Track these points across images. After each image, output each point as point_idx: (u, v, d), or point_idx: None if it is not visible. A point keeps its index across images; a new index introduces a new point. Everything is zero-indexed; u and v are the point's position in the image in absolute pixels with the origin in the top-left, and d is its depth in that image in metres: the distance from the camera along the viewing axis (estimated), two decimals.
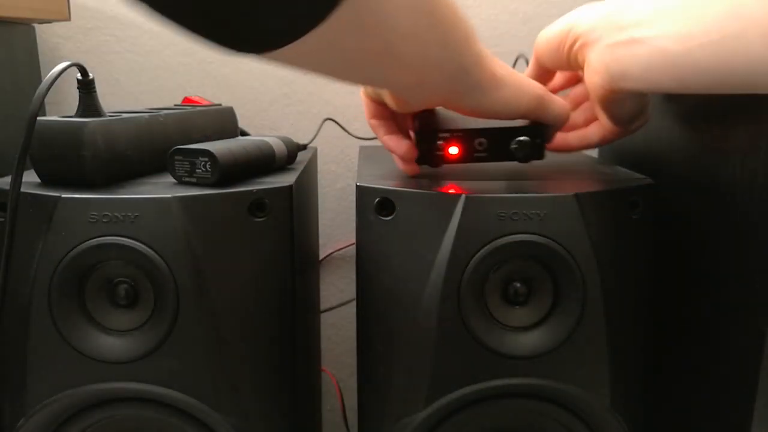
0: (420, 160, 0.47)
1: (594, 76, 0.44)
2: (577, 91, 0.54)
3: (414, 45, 0.35)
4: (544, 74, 0.52)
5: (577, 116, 0.53)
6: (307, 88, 0.83)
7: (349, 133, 0.78)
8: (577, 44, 0.45)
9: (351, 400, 0.87)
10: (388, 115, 0.48)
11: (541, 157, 0.47)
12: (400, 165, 0.49)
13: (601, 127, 0.50)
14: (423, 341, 0.43)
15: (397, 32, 0.33)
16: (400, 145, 0.47)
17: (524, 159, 0.46)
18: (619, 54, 0.41)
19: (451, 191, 0.43)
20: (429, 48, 0.37)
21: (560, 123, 0.48)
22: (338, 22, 0.28)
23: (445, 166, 0.48)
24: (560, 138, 0.52)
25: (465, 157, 0.47)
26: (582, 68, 0.46)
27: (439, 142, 0.46)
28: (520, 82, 0.44)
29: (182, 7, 0.25)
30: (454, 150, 0.47)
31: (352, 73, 0.37)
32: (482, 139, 0.46)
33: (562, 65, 0.48)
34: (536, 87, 0.46)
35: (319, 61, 0.33)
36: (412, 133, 0.49)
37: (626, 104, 0.46)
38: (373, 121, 0.48)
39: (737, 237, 0.42)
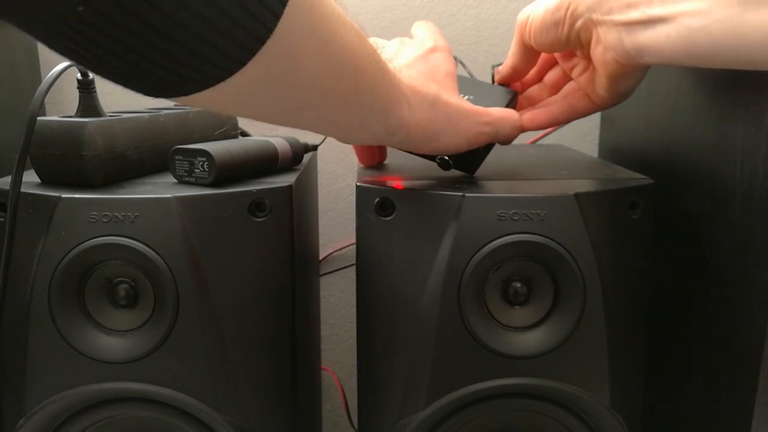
0: None
1: (607, 52, 0.42)
2: (552, 76, 0.52)
3: (335, 106, 0.35)
4: (529, 57, 0.50)
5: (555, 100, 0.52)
6: None
7: None
8: (581, 21, 0.43)
9: (352, 400, 0.87)
10: None
11: (470, 171, 0.48)
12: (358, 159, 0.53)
13: (569, 105, 0.49)
14: (423, 341, 0.43)
15: (315, 92, 0.33)
16: (362, 154, 0.53)
17: (448, 169, 0.48)
18: (634, 32, 0.40)
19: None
20: (352, 110, 0.36)
21: (510, 141, 0.48)
22: (247, 77, 0.28)
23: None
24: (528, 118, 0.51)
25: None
26: (584, 46, 0.45)
27: None
28: (458, 128, 0.43)
29: (92, 55, 0.25)
30: None
31: (272, 120, 0.36)
32: None
33: (559, 44, 0.46)
34: (480, 125, 0.44)
35: (231, 108, 0.33)
36: None
37: (636, 77, 0.45)
38: None
39: (737, 237, 0.42)
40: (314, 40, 0.30)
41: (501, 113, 0.46)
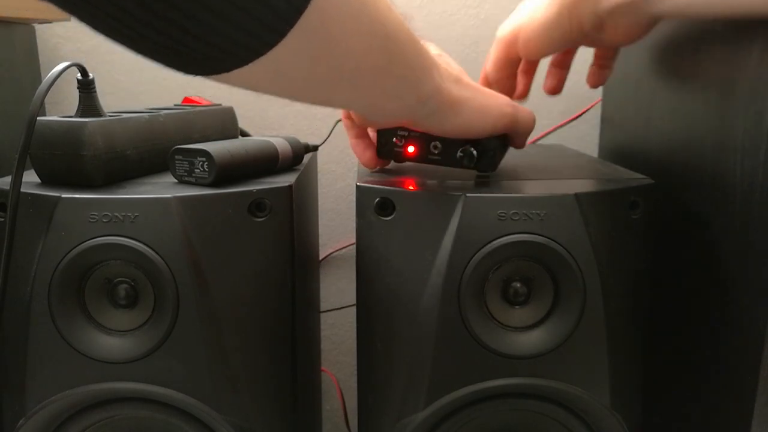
0: (381, 154, 0.50)
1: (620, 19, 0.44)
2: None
3: (369, 76, 0.35)
4: (512, 71, 0.52)
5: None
6: None
7: None
8: (585, 5, 0.45)
9: (351, 401, 0.87)
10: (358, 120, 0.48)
11: (491, 168, 0.48)
12: (361, 162, 0.52)
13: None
14: (423, 341, 0.43)
15: (350, 63, 0.33)
16: (363, 152, 0.50)
17: (471, 168, 0.47)
18: None
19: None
20: (385, 80, 0.37)
21: (527, 133, 0.48)
22: (286, 50, 0.28)
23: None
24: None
25: (421, 158, 0.48)
26: (599, 23, 0.46)
27: (395, 140, 0.48)
28: (483, 105, 0.44)
29: (132, 31, 0.25)
30: (411, 149, 0.48)
31: (306, 97, 0.37)
32: (437, 143, 0.48)
33: (562, 43, 0.48)
34: (503, 105, 0.45)
35: (269, 85, 0.33)
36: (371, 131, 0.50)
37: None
38: (346, 121, 0.49)
39: (737, 237, 0.42)
40: (348, 7, 0.31)
41: (516, 105, 0.47)
